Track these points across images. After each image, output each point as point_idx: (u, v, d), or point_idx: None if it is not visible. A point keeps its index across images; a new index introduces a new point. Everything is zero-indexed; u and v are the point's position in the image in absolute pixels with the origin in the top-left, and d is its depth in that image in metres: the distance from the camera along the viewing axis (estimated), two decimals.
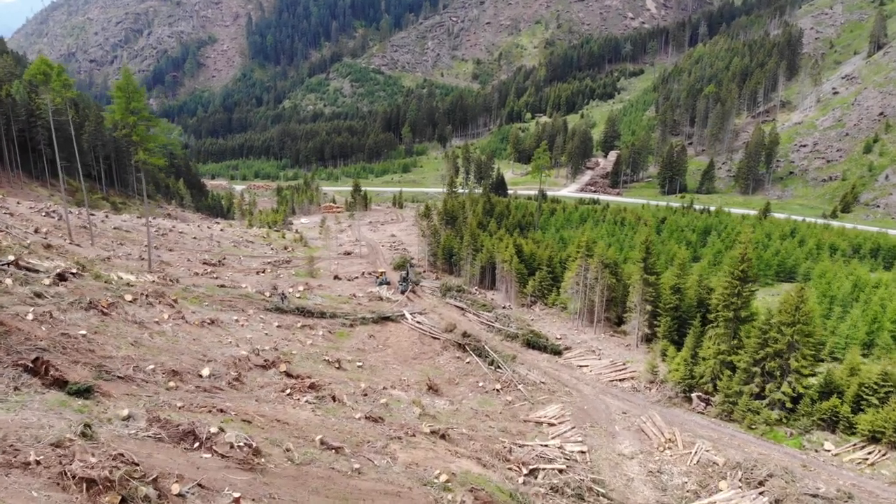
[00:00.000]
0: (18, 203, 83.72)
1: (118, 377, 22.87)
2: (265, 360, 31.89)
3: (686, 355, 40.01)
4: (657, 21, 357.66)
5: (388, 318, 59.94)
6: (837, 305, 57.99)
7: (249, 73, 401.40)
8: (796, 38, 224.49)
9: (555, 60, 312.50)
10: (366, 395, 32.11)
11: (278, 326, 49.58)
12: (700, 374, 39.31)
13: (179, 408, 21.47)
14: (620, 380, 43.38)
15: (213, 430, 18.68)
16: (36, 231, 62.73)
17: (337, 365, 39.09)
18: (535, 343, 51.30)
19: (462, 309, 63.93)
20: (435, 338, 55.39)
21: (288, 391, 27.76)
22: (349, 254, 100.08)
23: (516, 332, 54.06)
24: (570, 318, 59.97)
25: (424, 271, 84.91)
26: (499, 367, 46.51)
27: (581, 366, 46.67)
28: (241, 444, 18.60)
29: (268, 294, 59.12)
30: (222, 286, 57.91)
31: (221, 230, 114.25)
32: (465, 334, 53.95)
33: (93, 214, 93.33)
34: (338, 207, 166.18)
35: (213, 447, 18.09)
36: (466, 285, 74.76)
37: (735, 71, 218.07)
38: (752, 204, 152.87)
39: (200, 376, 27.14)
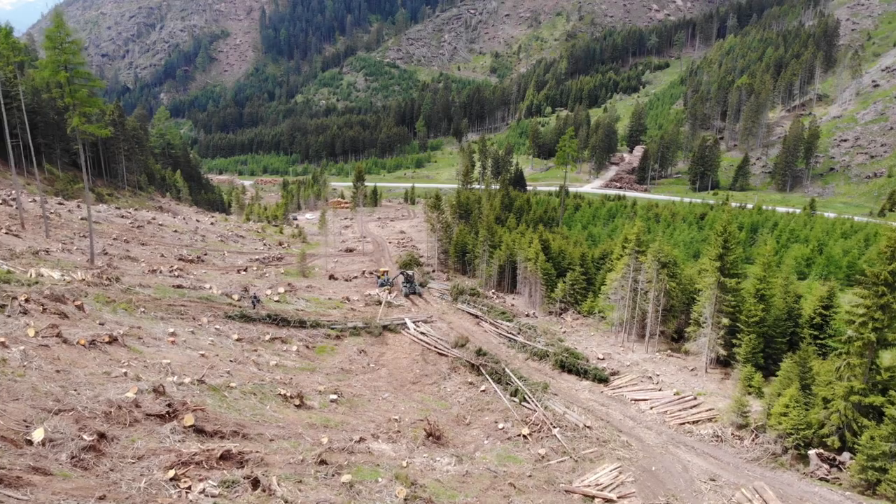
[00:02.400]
0: None
1: None
2: (168, 406, 20.19)
3: (795, 393, 27.96)
4: (683, 13, 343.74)
5: (385, 328, 48.65)
6: None
7: (262, 68, 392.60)
8: (833, 29, 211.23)
9: (577, 53, 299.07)
10: (323, 462, 20.23)
11: (237, 340, 38.20)
12: (819, 421, 27.25)
13: None
14: (694, 422, 31.30)
15: None
16: None
17: (297, 402, 27.37)
18: (571, 366, 39.09)
19: (476, 317, 52.29)
20: (442, 354, 43.84)
21: (175, 471, 16.26)
22: (351, 251, 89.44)
23: (546, 349, 42.09)
24: (612, 331, 47.97)
25: (434, 271, 73.50)
26: (525, 399, 34.67)
27: (636, 399, 34.53)
28: None
29: (236, 297, 47.88)
30: (179, 287, 46.68)
31: (211, 224, 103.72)
32: (479, 352, 42.24)
33: (61, 204, 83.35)
34: (346, 203, 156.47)
35: None
36: (482, 288, 63.03)
37: (769, 62, 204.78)
38: (790, 201, 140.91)
39: (28, 443, 15.80)
